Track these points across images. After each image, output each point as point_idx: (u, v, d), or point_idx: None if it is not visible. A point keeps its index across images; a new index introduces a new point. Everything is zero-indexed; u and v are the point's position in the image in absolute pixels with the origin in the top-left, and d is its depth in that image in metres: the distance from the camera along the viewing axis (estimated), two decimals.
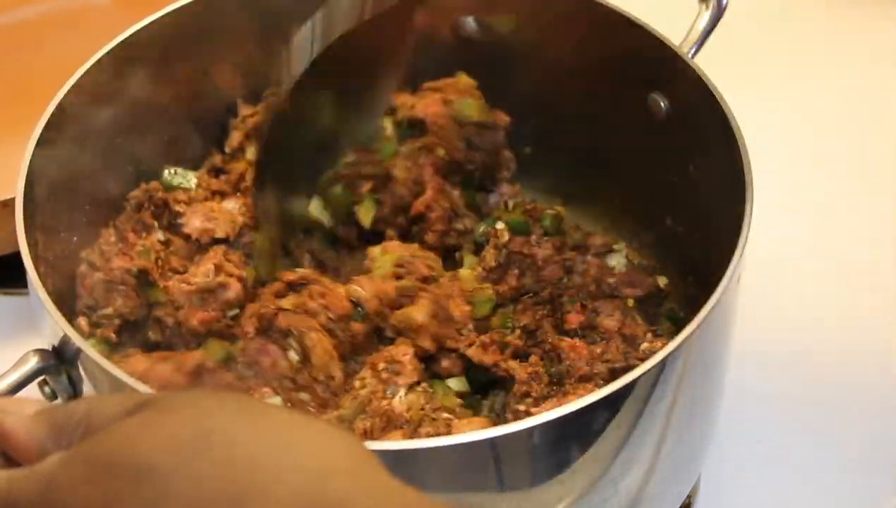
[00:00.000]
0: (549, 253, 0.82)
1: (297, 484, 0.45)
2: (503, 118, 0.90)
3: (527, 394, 0.76)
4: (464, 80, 0.91)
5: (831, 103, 1.15)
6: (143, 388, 0.64)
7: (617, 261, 0.85)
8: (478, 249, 0.86)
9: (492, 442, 0.61)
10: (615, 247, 0.87)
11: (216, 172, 0.92)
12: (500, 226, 0.83)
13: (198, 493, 0.44)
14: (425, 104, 0.89)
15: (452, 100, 0.89)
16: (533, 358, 0.78)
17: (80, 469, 0.47)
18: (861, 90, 1.17)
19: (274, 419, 0.49)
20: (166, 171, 0.90)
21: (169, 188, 0.89)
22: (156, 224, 0.86)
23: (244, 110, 0.92)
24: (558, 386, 0.77)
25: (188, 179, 0.90)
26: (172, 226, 0.87)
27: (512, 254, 0.82)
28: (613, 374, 0.74)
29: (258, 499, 0.44)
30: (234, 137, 0.92)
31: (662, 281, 0.85)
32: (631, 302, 0.83)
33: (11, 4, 1.13)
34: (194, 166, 0.92)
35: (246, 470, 0.45)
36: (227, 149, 0.92)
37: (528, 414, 0.74)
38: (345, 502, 0.45)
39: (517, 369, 0.78)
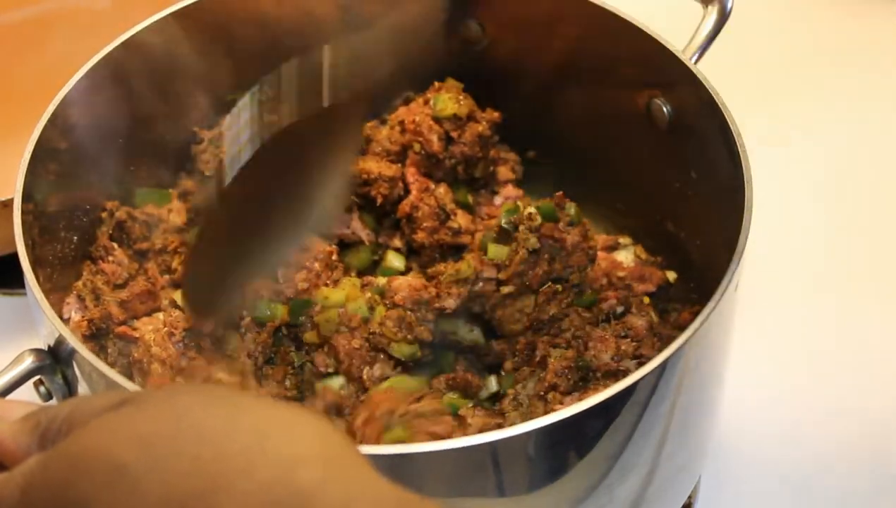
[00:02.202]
0: (577, 239, 0.82)
1: (265, 475, 0.45)
2: (491, 114, 0.90)
3: (554, 387, 0.76)
4: (448, 81, 0.92)
5: (836, 109, 1.15)
6: (134, 388, 0.63)
7: (625, 257, 0.85)
8: (499, 238, 0.84)
9: (491, 446, 0.60)
10: (621, 241, 0.86)
11: (185, 198, 0.91)
12: (531, 210, 0.83)
13: (167, 490, 0.45)
14: (408, 110, 0.91)
15: (430, 98, 0.90)
16: (569, 352, 0.78)
17: (56, 469, 0.48)
18: (867, 95, 1.16)
19: (246, 410, 0.49)
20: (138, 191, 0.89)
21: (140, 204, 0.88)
22: (115, 246, 0.85)
23: (206, 134, 0.91)
24: (583, 381, 0.77)
25: (163, 197, 0.90)
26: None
27: (542, 239, 0.82)
28: None
29: (225, 493, 0.45)
30: (206, 159, 0.91)
31: (671, 275, 0.85)
32: (647, 300, 0.82)
33: (11, 4, 1.12)
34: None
35: (214, 465, 0.45)
36: (206, 173, 0.91)
37: (553, 409, 0.74)
38: (315, 490, 0.45)
39: (552, 361, 0.78)
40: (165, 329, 0.78)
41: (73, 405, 0.51)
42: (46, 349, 0.70)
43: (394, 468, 0.60)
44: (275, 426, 0.48)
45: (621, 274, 0.84)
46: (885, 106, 1.16)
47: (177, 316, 0.80)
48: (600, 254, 0.85)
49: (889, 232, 1.05)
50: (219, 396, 0.51)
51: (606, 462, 0.66)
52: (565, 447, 0.64)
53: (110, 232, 0.86)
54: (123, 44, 0.84)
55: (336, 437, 0.49)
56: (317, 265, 0.84)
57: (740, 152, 0.74)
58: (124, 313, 0.80)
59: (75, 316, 0.80)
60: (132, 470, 0.46)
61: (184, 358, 0.77)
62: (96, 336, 0.79)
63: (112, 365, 0.78)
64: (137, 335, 0.79)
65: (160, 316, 0.81)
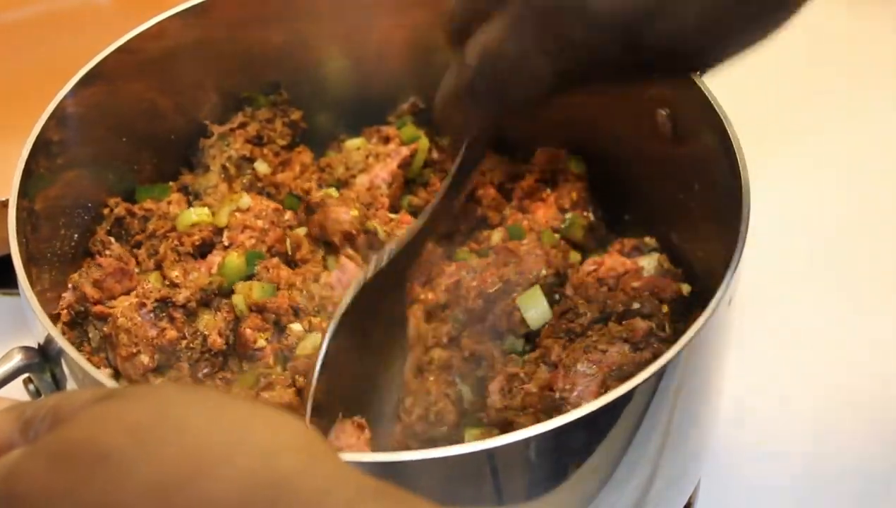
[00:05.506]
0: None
1: (246, 462, 0.46)
2: None
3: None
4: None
5: (839, 119, 1.15)
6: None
7: (647, 263, 0.84)
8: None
9: (489, 453, 0.60)
10: (647, 241, 0.85)
11: (185, 191, 0.91)
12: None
13: (151, 477, 0.46)
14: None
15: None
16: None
17: (41, 458, 0.48)
18: (871, 106, 1.16)
19: (227, 407, 0.50)
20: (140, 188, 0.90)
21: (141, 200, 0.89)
22: (112, 240, 0.85)
23: (217, 128, 0.92)
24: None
25: (163, 191, 0.90)
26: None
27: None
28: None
29: (208, 478, 0.46)
30: (213, 154, 0.92)
31: (686, 288, 0.83)
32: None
33: (11, 4, 1.13)
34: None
35: (196, 452, 0.47)
36: (212, 167, 0.91)
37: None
38: (296, 477, 0.46)
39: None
40: (136, 300, 0.79)
41: (58, 398, 0.52)
42: (36, 347, 0.69)
43: (387, 475, 0.59)
44: (255, 421, 0.49)
45: (636, 284, 0.82)
46: (890, 116, 1.15)
47: (149, 287, 0.80)
48: (621, 258, 0.84)
49: (891, 242, 1.05)
50: (201, 393, 0.53)
51: (604, 471, 0.66)
52: (563, 454, 0.63)
53: (108, 227, 0.86)
54: (125, 43, 0.84)
55: (314, 435, 0.50)
56: (259, 223, 0.84)
57: (739, 164, 0.74)
58: (99, 293, 0.80)
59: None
60: (117, 457, 0.46)
61: (154, 328, 0.77)
62: (77, 321, 0.80)
63: (96, 351, 0.79)
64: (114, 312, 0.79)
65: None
